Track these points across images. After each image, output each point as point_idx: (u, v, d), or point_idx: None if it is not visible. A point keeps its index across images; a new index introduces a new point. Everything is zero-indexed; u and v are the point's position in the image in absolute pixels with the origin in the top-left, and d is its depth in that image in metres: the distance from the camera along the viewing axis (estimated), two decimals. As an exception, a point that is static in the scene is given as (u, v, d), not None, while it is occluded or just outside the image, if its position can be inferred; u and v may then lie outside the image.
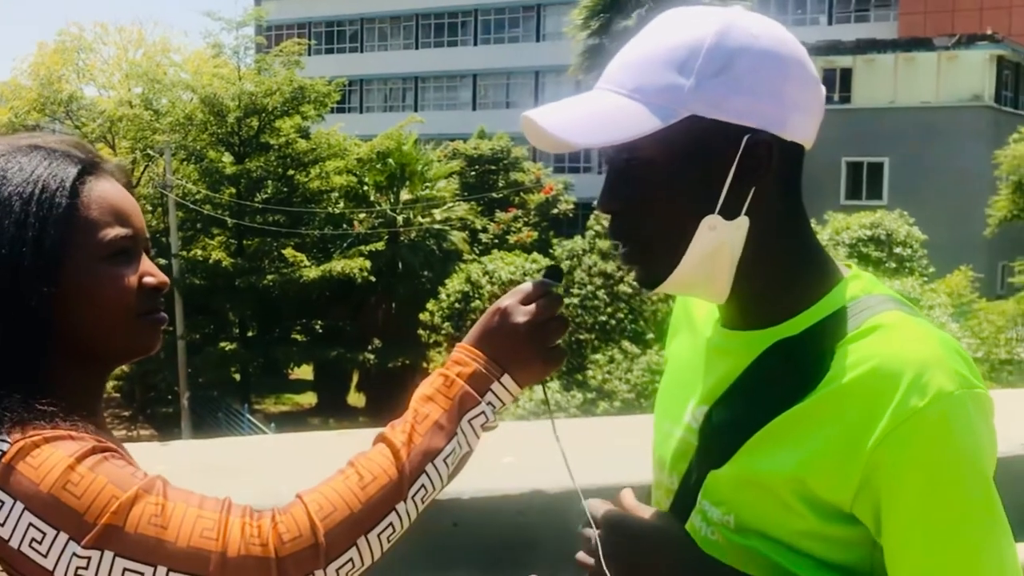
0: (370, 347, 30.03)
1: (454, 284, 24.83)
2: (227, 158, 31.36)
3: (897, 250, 25.50)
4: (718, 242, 1.34)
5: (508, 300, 1.45)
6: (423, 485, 1.38)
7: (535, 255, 23.75)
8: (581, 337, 21.97)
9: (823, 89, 1.40)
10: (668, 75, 1.31)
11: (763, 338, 1.39)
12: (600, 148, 1.35)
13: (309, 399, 33.42)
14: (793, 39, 1.37)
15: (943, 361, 1.26)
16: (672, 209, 1.34)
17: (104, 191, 1.48)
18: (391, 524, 1.35)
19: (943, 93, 35.56)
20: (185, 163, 31.68)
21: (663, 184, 1.33)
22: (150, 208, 32.15)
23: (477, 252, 31.06)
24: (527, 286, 1.46)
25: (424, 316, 25.67)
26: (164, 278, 1.52)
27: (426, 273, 30.12)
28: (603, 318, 21.56)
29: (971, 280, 25.20)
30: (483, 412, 1.43)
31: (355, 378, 32.05)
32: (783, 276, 1.39)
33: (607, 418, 10.22)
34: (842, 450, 1.27)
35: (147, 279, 1.49)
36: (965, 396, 1.25)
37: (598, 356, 20.74)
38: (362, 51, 59.96)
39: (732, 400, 1.42)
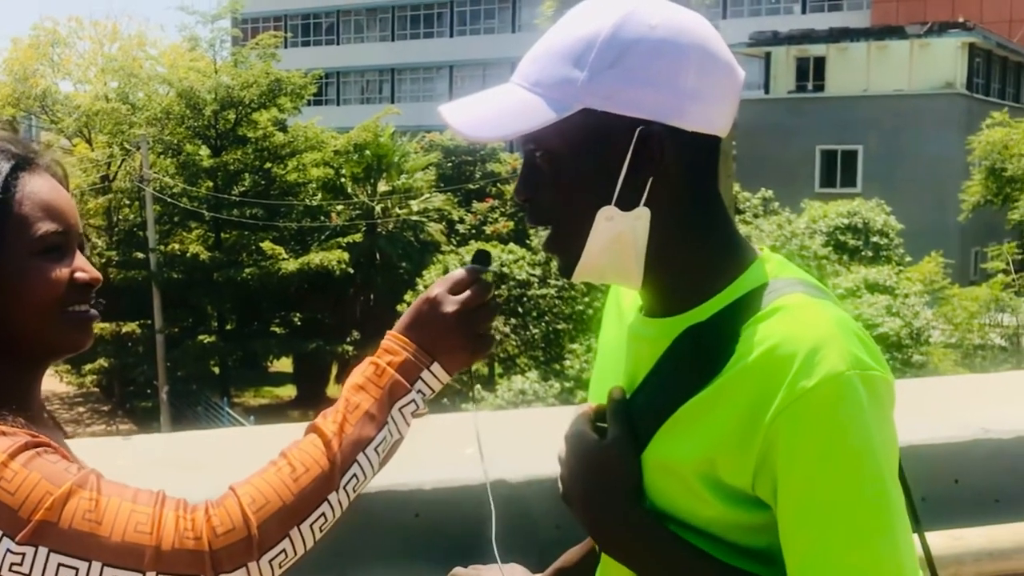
0: (349, 339, 30.01)
1: (432, 275, 24.86)
2: (204, 151, 31.21)
3: (874, 239, 25.63)
4: (616, 232, 1.37)
5: (437, 289, 1.47)
6: (355, 474, 1.39)
7: (512, 245, 23.80)
8: (559, 327, 22.05)
9: (737, 74, 1.40)
10: (565, 68, 1.35)
11: (676, 324, 1.41)
12: (509, 140, 1.40)
13: (289, 392, 33.37)
14: (698, 26, 1.37)
15: (837, 342, 1.27)
16: (572, 199, 1.37)
17: (38, 187, 1.48)
18: (323, 514, 1.37)
19: (916, 81, 35.73)
20: (162, 157, 31.51)
21: (563, 175, 1.37)
22: (127, 202, 32.04)
23: (455, 243, 31.06)
24: (457, 274, 1.49)
25: (402, 308, 25.70)
26: (96, 274, 1.51)
27: (404, 264, 30.13)
28: (580, 308, 21.66)
29: (943, 266, 25.37)
30: (413, 400, 1.45)
31: (334, 370, 32.02)
32: (693, 263, 1.40)
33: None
34: (741, 432, 1.29)
35: (79, 275, 1.49)
36: (856, 377, 1.26)
37: (576, 346, 20.82)
38: (339, 43, 59.83)
39: (649, 387, 1.43)
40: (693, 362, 1.37)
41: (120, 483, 1.36)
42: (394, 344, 1.46)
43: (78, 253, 1.51)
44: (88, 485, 1.32)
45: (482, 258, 1.52)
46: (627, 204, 1.36)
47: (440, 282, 1.48)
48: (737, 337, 1.33)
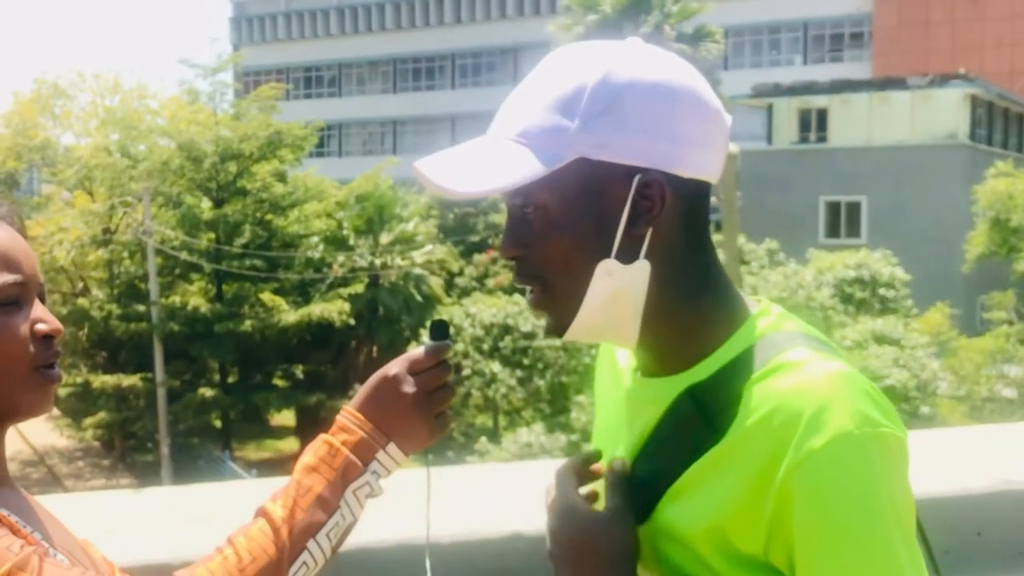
0: (351, 392, 29.88)
1: (435, 328, 24.75)
2: (205, 203, 31.24)
3: (881, 290, 25.65)
4: (617, 287, 1.30)
5: (397, 368, 1.43)
6: (304, 562, 1.35)
7: (516, 296, 23.74)
8: (564, 380, 21.90)
9: (726, 119, 1.35)
10: (553, 117, 1.27)
11: (675, 384, 1.35)
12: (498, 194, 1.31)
13: (291, 445, 33.13)
14: (686, 71, 1.32)
15: (845, 400, 1.21)
16: (567, 254, 1.30)
17: None
18: None
19: (918, 132, 35.88)
20: (163, 209, 31.55)
21: (556, 229, 1.29)
22: (127, 254, 32.01)
23: (455, 296, 31.03)
24: (417, 352, 1.45)
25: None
26: (57, 325, 1.42)
27: (405, 318, 30.08)
28: (587, 360, 21.53)
29: (949, 317, 25.30)
30: (368, 482, 1.41)
31: (336, 423, 31.89)
32: (691, 318, 1.34)
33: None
34: (750, 496, 1.24)
35: (39, 326, 1.39)
36: (866, 436, 1.20)
37: (582, 398, 20.69)
38: (340, 95, 60.31)
39: (650, 452, 1.37)
40: (695, 425, 1.31)
41: (64, 564, 1.30)
42: (349, 422, 1.43)
43: (37, 303, 1.41)
44: (28, 568, 1.25)
45: (440, 331, 1.46)
46: (626, 257, 1.29)
47: (399, 361, 1.45)
48: (739, 397, 1.27)
